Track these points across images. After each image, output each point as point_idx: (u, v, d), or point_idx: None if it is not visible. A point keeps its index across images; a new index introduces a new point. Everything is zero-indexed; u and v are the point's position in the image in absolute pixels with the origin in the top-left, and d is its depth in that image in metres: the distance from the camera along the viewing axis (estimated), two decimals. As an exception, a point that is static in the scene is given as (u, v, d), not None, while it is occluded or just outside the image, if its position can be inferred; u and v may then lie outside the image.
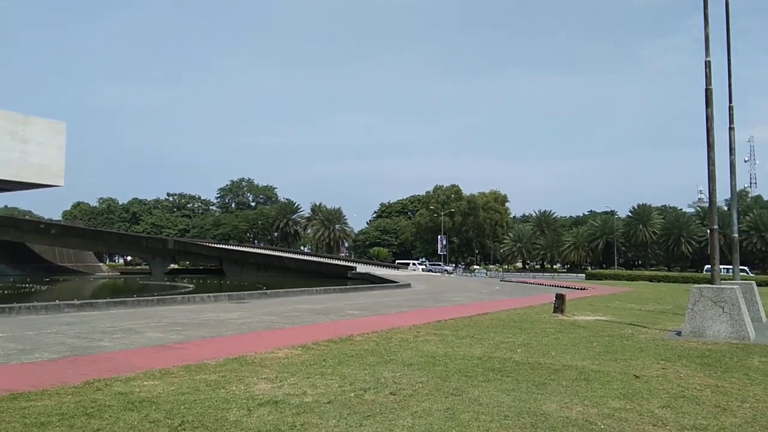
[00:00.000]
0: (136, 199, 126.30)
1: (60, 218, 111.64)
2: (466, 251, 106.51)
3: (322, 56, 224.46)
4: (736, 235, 18.51)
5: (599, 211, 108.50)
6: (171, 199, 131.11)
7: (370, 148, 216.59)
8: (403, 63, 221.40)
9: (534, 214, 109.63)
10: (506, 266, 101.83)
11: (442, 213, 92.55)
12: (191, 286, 36.43)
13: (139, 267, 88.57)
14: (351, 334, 11.77)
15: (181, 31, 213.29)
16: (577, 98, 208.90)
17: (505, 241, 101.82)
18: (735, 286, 12.93)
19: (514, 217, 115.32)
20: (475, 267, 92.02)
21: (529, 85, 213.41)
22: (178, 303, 20.10)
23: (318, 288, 28.71)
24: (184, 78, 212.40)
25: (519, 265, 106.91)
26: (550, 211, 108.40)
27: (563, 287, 35.20)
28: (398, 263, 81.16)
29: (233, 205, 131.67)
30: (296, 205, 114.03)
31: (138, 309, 17.85)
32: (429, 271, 73.71)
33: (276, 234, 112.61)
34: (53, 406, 5.93)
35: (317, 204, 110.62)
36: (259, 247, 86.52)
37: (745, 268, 61.68)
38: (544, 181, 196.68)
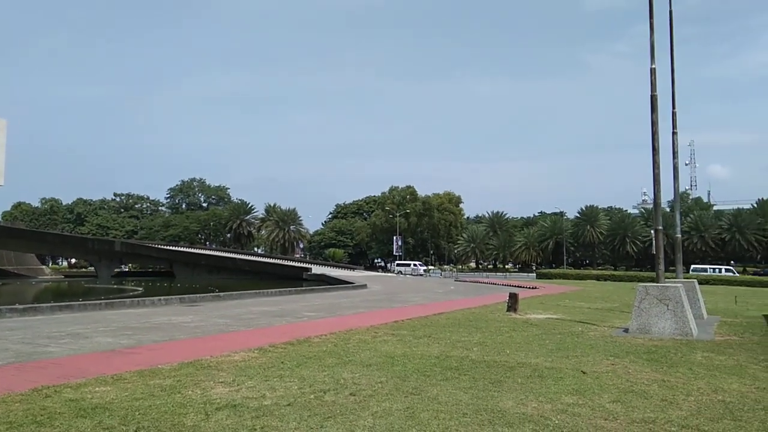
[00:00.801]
0: (81, 199, 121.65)
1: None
2: (421, 252, 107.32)
3: (275, 55, 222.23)
4: (679, 235, 19.36)
5: (549, 212, 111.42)
6: (118, 199, 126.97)
7: (325, 149, 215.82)
8: (358, 64, 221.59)
9: (487, 215, 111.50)
10: (460, 266, 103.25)
11: (398, 214, 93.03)
12: (140, 289, 35.39)
13: (84, 270, 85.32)
14: (309, 335, 11.71)
15: (129, 26, 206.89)
16: (527, 101, 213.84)
17: (459, 241, 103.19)
18: (678, 285, 13.53)
19: (467, 218, 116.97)
20: (430, 267, 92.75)
21: (481, 88, 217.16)
22: (128, 306, 19.50)
23: (273, 290, 28.40)
24: (133, 76, 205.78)
25: (472, 265, 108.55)
26: (503, 212, 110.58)
27: (516, 286, 35.98)
28: (398, 264, 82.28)
29: (184, 206, 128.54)
30: (250, 205, 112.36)
31: (85, 313, 17.23)
32: (420, 274, 73.06)
33: (229, 235, 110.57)
34: (0, 414, 5.68)
35: (271, 205, 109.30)
36: (211, 249, 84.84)
37: (731, 267, 64.26)
38: (497, 182, 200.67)
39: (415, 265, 79.97)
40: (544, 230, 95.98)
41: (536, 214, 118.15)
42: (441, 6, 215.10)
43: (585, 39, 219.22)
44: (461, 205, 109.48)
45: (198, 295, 24.09)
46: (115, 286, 39.80)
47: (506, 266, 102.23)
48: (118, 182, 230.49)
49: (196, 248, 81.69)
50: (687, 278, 21.65)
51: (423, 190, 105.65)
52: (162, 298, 21.77)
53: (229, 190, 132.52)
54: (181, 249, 76.96)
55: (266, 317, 16.26)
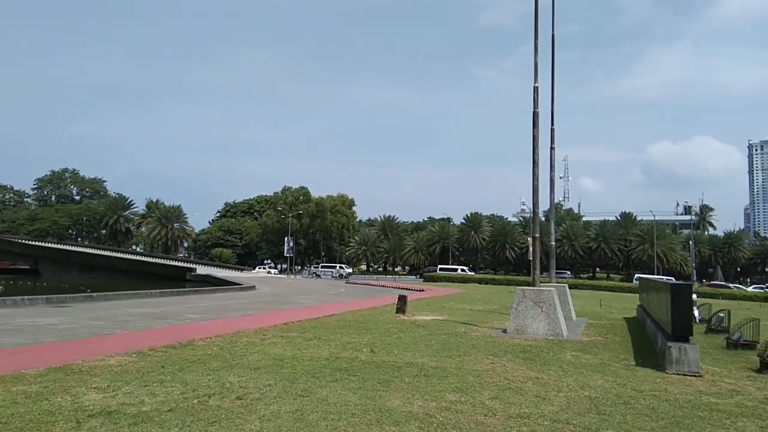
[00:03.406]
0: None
1: None
2: (313, 253, 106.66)
3: (162, 43, 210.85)
4: (553, 243, 20.89)
5: (437, 217, 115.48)
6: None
7: (215, 145, 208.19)
8: (252, 62, 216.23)
9: (379, 219, 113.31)
10: (350, 270, 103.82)
11: (290, 214, 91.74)
12: (-1, 287, 32.00)
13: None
14: (192, 338, 11.21)
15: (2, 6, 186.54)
16: (421, 111, 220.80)
17: (351, 244, 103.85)
18: (551, 288, 14.58)
19: (360, 221, 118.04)
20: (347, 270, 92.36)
21: (377, 94, 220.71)
22: (-17, 307, 17.52)
23: (153, 291, 26.85)
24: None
25: (363, 267, 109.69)
26: (394, 217, 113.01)
27: (404, 289, 36.85)
28: (323, 266, 79.42)
29: (53, 198, 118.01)
30: (129, 200, 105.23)
31: (-71, 315, 15.25)
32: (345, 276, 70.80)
33: (104, 232, 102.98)
34: None
35: (153, 200, 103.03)
36: (83, 246, 78.55)
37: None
38: (389, 187, 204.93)
39: (341, 267, 79.02)
40: (432, 235, 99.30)
41: (425, 219, 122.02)
42: (340, 12, 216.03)
43: (477, 54, 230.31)
44: (354, 208, 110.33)
45: (68, 295, 22.20)
46: (-32, 285, 35.62)
47: (396, 269, 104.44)
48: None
49: (67, 245, 75.36)
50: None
51: (317, 192, 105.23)
52: (26, 297, 19.82)
53: (105, 183, 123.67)
54: (49, 245, 70.69)
55: (145, 319, 15.34)
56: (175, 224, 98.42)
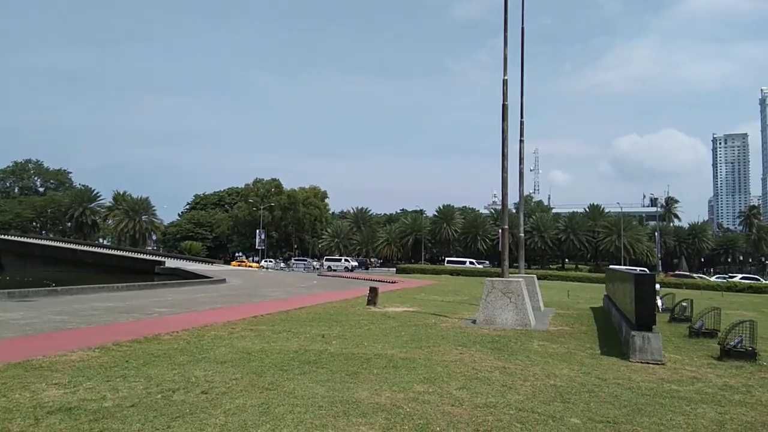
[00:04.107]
0: None
1: None
2: (285, 246, 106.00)
3: (127, 29, 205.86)
4: (522, 234, 21.13)
5: (410, 209, 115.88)
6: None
7: (184, 136, 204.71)
8: (222, 50, 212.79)
9: (352, 211, 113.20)
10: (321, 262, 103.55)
11: (262, 207, 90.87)
12: (-42, 282, 31.00)
13: None
14: (158, 333, 11.02)
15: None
16: (393, 103, 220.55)
17: (323, 236, 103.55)
18: (520, 279, 14.75)
19: (333, 213, 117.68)
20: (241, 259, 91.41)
21: (350, 86, 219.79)
22: (-60, 303, 16.94)
23: (120, 284, 26.34)
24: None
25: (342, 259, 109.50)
26: (367, 209, 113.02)
27: (376, 281, 36.90)
28: (327, 259, 76.18)
29: (16, 190, 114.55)
30: (95, 192, 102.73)
31: None
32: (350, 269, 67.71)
33: (70, 224, 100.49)
34: None
35: (120, 192, 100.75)
36: (48, 239, 76.49)
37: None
38: (363, 179, 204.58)
39: (346, 260, 75.82)
40: (405, 227, 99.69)
41: (398, 212, 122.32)
42: (311, 1, 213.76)
43: (449, 46, 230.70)
44: (327, 200, 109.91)
45: (30, 289, 21.64)
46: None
47: (370, 260, 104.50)
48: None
49: (30, 237, 73.31)
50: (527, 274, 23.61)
51: (289, 184, 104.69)
52: (-15, 292, 19.23)
53: (71, 175, 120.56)
54: (11, 238, 68.72)
55: (111, 314, 15.03)
56: (143, 217, 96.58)
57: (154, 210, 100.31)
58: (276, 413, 5.67)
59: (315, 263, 77.53)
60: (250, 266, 72.90)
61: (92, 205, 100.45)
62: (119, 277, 38.85)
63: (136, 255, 63.45)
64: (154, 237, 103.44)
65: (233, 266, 71.19)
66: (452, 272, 57.04)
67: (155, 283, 31.45)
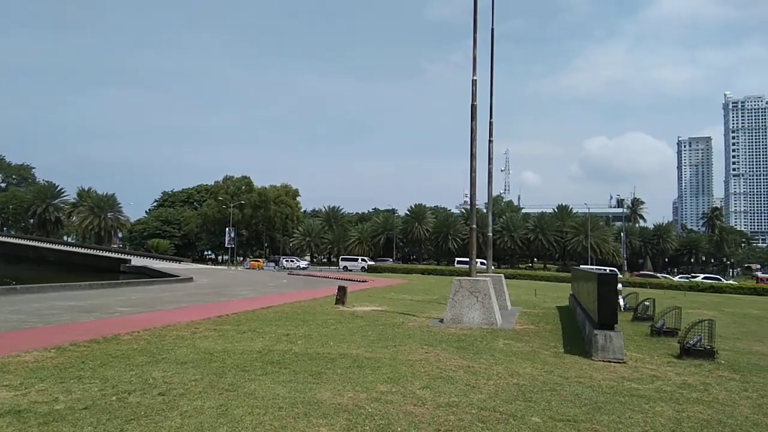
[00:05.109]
0: None
1: None
2: (256, 244, 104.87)
3: (91, 21, 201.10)
4: (491, 234, 21.29)
5: (382, 209, 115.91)
6: None
7: (153, 132, 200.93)
8: (193, 45, 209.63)
9: (323, 210, 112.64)
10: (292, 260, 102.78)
11: (232, 204, 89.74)
12: None
13: None
14: (118, 332, 10.74)
15: None
16: (367, 102, 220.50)
17: (294, 234, 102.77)
18: (487, 279, 14.84)
19: (304, 211, 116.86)
20: (240, 259, 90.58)
21: (322, 83, 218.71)
22: None
23: (83, 283, 25.69)
24: None
25: (308, 258, 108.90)
26: (339, 207, 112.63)
27: (346, 280, 36.77)
28: (343, 258, 73.39)
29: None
30: (59, 188, 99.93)
31: None
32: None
33: (32, 221, 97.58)
34: None
35: (85, 189, 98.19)
36: (9, 236, 74.19)
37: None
38: (335, 178, 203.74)
39: (363, 260, 72.81)
40: (376, 226, 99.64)
41: (370, 211, 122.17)
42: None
43: (423, 46, 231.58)
44: (298, 199, 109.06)
45: (-13, 288, 20.90)
46: None
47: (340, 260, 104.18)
48: None
49: (-10, 234, 71.05)
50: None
51: (260, 182, 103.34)
52: (-63, 291, 18.52)
53: (33, 170, 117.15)
54: (-30, 235, 66.46)
55: (71, 313, 14.61)
56: (109, 214, 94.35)
57: (121, 207, 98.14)
58: (234, 415, 5.56)
59: (285, 262, 76.65)
60: (259, 266, 71.82)
61: (56, 201, 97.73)
62: (83, 275, 37.91)
63: (101, 253, 62.04)
64: (120, 235, 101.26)
65: (251, 265, 70.03)
66: (423, 271, 57.24)
67: (120, 281, 30.79)
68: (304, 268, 67.49)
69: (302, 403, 6.10)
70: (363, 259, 73.07)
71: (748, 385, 8.08)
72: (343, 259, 74.28)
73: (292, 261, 76.02)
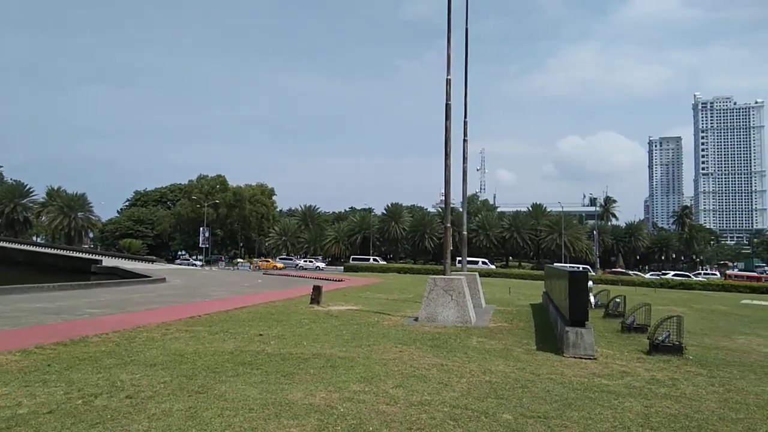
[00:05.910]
0: None
1: None
2: (231, 244, 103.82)
3: (65, 18, 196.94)
4: (466, 232, 21.40)
5: (359, 208, 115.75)
6: None
7: (124, 130, 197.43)
8: (168, 39, 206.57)
9: (300, 209, 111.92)
10: (267, 260, 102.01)
11: (206, 204, 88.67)
12: None
13: None
14: (86, 334, 10.50)
15: None
16: (343, 101, 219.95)
17: (270, 234, 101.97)
18: (462, 277, 14.91)
19: (280, 210, 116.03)
20: (239, 260, 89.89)
21: (297, 82, 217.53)
22: None
23: (52, 284, 25.09)
24: None
25: (320, 258, 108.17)
26: (315, 206, 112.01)
27: (323, 279, 36.61)
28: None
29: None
30: (27, 188, 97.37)
31: None
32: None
33: (0, 221, 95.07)
34: None
35: (55, 188, 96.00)
36: (-25, 236, 72.08)
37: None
38: (310, 177, 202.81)
39: (375, 259, 74.49)
40: (353, 225, 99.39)
41: (347, 210, 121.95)
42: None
43: (398, 45, 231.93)
44: (274, 198, 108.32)
45: (-50, 290, 20.28)
46: None
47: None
48: None
49: (-46, 235, 68.98)
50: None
51: (234, 181, 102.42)
52: None
53: (1, 169, 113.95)
54: (-67, 236, 64.43)
55: (38, 315, 14.26)
56: (80, 213, 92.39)
57: (91, 206, 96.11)
58: (203, 417, 5.47)
59: (303, 262, 76.47)
60: (276, 266, 70.93)
61: (24, 200, 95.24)
62: (53, 276, 37.02)
63: (71, 253, 60.68)
64: (91, 235, 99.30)
65: (261, 266, 69.33)
66: (399, 270, 57.29)
67: (90, 282, 30.16)
68: (322, 269, 68.58)
69: (273, 404, 6.03)
70: (375, 259, 75.96)
71: (715, 380, 8.26)
72: (354, 259, 75.88)
73: (310, 262, 76.16)
